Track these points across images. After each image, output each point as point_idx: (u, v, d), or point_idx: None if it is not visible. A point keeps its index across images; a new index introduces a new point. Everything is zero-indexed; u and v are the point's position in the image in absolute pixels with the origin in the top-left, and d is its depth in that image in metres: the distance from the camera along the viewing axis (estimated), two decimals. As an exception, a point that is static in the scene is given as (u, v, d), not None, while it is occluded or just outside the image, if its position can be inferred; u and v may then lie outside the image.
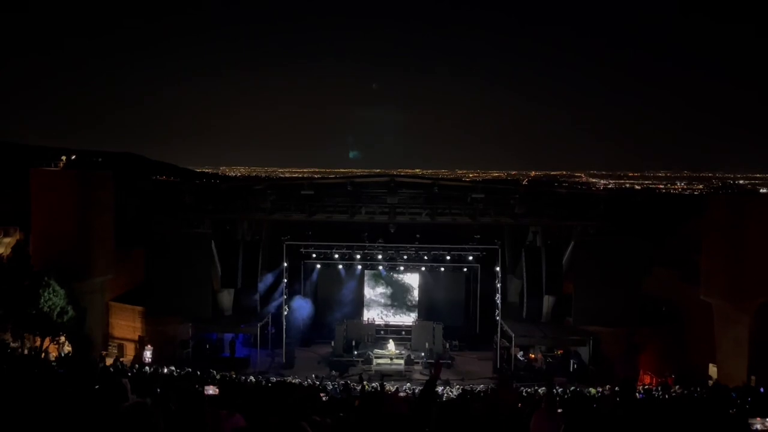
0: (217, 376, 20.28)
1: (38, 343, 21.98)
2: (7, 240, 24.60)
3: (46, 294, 21.47)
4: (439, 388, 21.43)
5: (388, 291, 31.05)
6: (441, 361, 4.93)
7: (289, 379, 22.51)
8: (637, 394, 18.57)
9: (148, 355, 24.92)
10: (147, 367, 21.83)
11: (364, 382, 20.30)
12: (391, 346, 27.52)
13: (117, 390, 4.71)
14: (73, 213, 24.23)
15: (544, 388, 21.47)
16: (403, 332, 29.59)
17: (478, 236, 29.92)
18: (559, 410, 5.86)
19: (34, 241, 24.19)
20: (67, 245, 23.75)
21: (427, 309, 30.45)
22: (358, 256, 29.83)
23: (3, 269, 21.75)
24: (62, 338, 22.68)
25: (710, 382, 21.93)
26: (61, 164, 25.81)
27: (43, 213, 24.27)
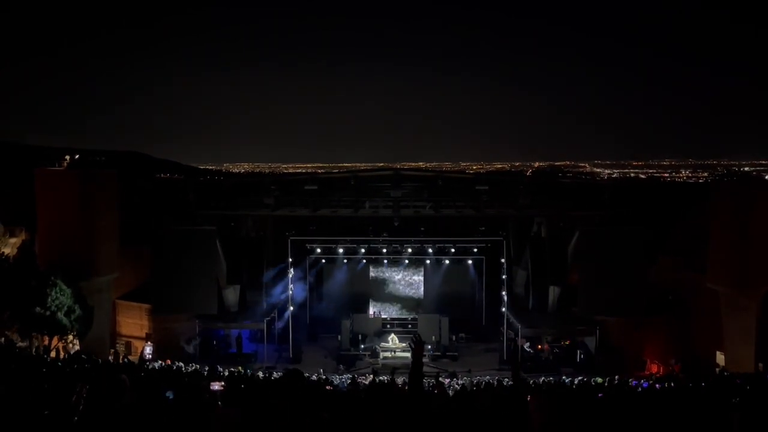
0: (225, 372, 20.36)
1: (46, 343, 22.11)
2: (12, 240, 24.70)
3: (53, 293, 21.54)
4: (446, 380, 21.47)
5: (394, 285, 31.08)
6: (420, 344, 4.90)
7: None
8: (643, 384, 18.56)
9: (148, 351, 25.08)
10: (154, 364, 21.94)
11: (373, 376, 20.37)
12: (393, 339, 27.57)
13: (116, 387, 4.73)
14: (77, 212, 24.29)
15: (551, 378, 21.56)
16: (409, 325, 29.62)
17: (483, 228, 29.88)
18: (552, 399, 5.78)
19: (39, 241, 24.28)
20: (72, 244, 23.82)
21: (432, 302, 30.47)
22: (363, 250, 29.83)
23: (9, 269, 21.86)
24: (70, 337, 22.79)
25: (717, 370, 21.91)
26: (65, 164, 25.86)
27: (47, 213, 24.34)
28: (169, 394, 6.44)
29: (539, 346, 26.74)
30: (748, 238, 22.30)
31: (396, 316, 30.33)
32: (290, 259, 27.45)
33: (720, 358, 23.64)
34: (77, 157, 27.71)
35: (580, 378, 21.12)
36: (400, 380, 19.15)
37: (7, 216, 25.34)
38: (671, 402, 9.77)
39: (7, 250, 23.62)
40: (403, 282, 31.10)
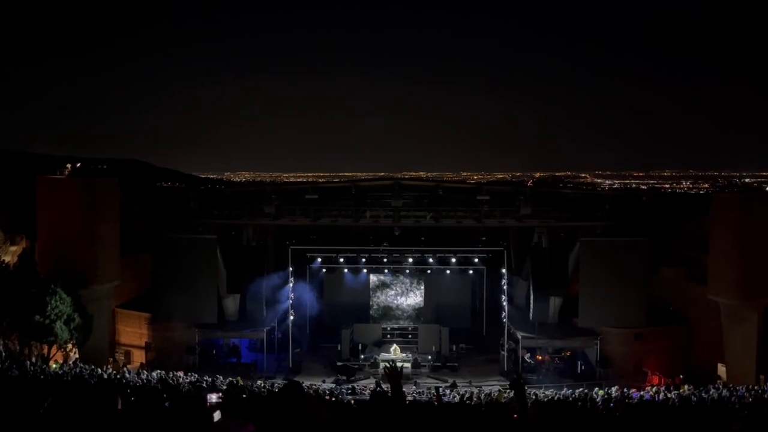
0: (224, 383, 20.24)
1: (45, 351, 22.01)
2: (13, 248, 24.67)
3: (52, 301, 21.49)
4: (447, 391, 21.37)
5: (394, 294, 30.99)
6: (395, 372, 4.79)
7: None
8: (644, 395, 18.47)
9: (142, 361, 25.14)
10: (153, 374, 21.80)
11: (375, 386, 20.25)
12: (394, 350, 27.45)
13: (107, 397, 4.70)
14: (79, 220, 24.28)
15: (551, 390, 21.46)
16: (410, 335, 29.51)
17: (484, 238, 29.84)
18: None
19: (40, 249, 24.24)
20: (73, 252, 23.81)
21: (433, 312, 30.38)
22: (364, 260, 29.78)
23: (10, 277, 21.81)
24: (69, 346, 22.70)
25: (719, 382, 21.80)
26: (67, 172, 25.90)
27: (49, 221, 24.34)
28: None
29: (538, 357, 26.62)
30: (749, 249, 22.29)
31: (396, 326, 30.22)
32: (291, 268, 27.37)
33: (721, 370, 23.54)
34: (79, 165, 27.75)
35: (580, 389, 21.02)
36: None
37: (7, 224, 25.33)
38: (674, 413, 9.71)
39: (7, 258, 23.58)
40: (403, 292, 31.02)
